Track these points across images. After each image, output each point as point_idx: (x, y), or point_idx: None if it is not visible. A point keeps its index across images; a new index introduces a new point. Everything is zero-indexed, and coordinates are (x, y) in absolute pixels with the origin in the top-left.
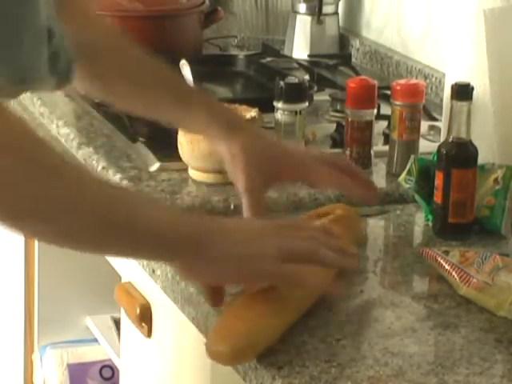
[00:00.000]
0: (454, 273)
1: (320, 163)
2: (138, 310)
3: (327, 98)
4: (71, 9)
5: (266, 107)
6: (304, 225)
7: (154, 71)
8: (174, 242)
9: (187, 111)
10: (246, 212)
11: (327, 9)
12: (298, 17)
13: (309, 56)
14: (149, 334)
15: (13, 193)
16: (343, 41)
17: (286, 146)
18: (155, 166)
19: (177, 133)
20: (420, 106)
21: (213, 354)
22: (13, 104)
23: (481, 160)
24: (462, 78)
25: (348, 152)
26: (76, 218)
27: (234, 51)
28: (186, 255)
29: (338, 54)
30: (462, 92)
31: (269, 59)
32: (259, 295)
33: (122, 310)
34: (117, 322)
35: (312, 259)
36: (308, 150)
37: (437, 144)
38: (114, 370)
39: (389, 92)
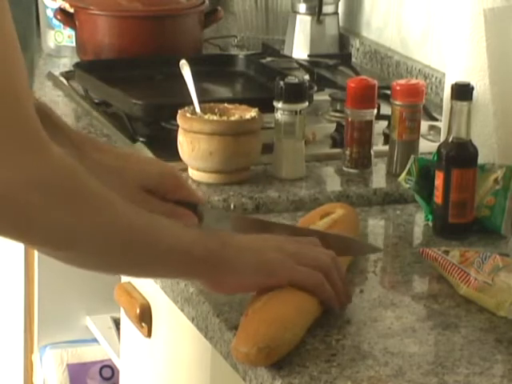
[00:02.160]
0: (454, 273)
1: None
2: (138, 310)
3: (327, 98)
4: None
5: (266, 107)
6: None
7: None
8: (197, 260)
9: None
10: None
11: (327, 9)
12: (298, 17)
13: (309, 56)
14: (149, 333)
15: (46, 225)
16: (343, 41)
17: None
18: None
19: (177, 133)
20: (420, 106)
21: (239, 355)
22: None
23: (481, 160)
24: (462, 78)
25: (348, 152)
26: (102, 242)
27: (233, 51)
28: (209, 271)
29: (337, 54)
30: (462, 92)
31: (269, 59)
32: (280, 296)
33: (122, 310)
34: (117, 322)
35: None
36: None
37: (437, 144)
38: (113, 370)
39: (389, 92)
